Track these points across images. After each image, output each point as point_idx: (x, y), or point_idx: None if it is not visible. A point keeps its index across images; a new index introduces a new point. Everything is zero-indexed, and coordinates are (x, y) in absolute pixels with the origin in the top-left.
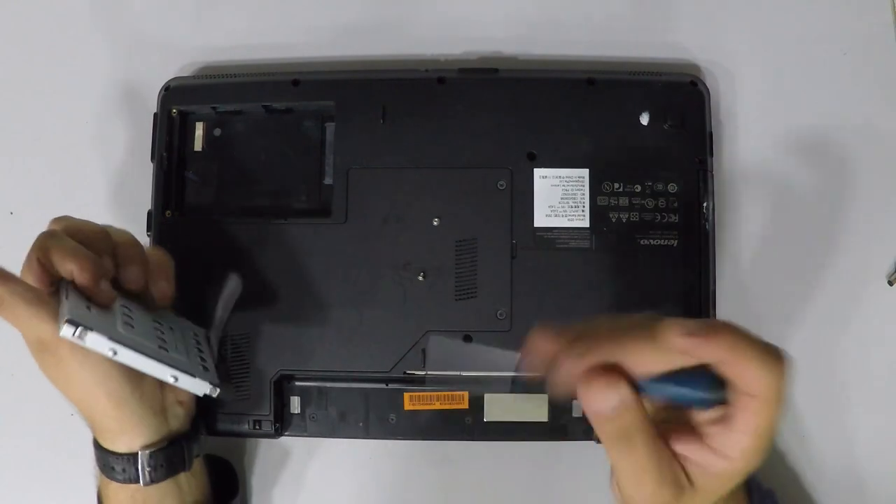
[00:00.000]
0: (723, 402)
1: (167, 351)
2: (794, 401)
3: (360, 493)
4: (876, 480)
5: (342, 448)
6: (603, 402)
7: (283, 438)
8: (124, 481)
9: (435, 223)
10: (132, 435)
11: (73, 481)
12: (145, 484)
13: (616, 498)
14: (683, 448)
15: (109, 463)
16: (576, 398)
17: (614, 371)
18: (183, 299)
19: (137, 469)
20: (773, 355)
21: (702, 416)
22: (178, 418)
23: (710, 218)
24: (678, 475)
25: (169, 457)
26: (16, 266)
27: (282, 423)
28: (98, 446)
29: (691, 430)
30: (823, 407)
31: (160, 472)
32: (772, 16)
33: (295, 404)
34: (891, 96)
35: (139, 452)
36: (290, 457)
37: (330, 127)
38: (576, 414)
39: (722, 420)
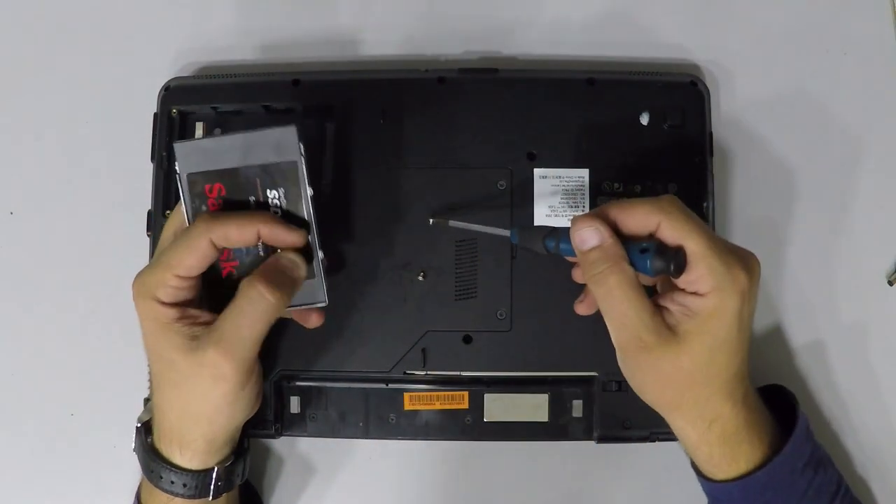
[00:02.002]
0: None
1: None
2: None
3: (360, 494)
4: (877, 478)
5: (342, 448)
6: (586, 238)
7: (282, 438)
8: (191, 496)
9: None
10: (215, 455)
11: (72, 481)
12: (213, 498)
13: (619, 360)
14: (664, 300)
15: (179, 479)
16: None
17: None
18: None
19: (209, 484)
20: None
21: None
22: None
23: (710, 218)
24: (659, 323)
25: (234, 470)
26: (15, 265)
27: (282, 424)
28: (163, 460)
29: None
30: (823, 408)
31: (225, 485)
32: (772, 16)
33: (295, 404)
34: (891, 96)
35: (215, 468)
36: (290, 457)
37: (330, 127)
38: (576, 414)
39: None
